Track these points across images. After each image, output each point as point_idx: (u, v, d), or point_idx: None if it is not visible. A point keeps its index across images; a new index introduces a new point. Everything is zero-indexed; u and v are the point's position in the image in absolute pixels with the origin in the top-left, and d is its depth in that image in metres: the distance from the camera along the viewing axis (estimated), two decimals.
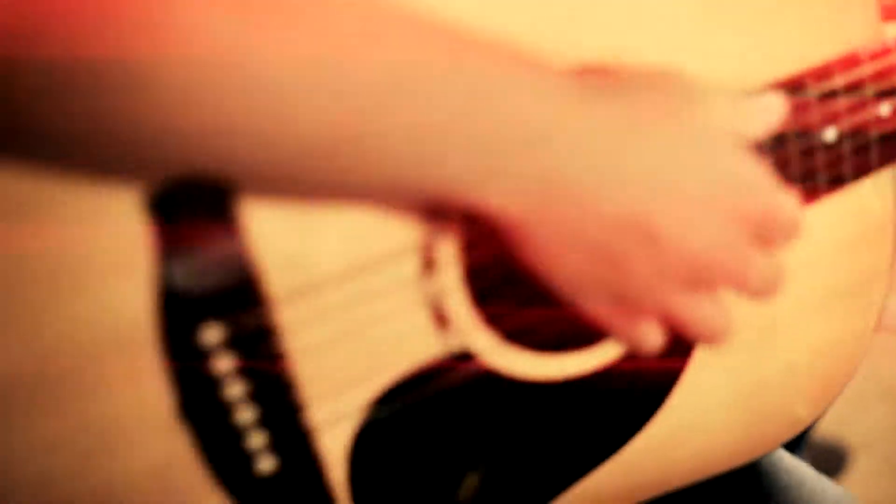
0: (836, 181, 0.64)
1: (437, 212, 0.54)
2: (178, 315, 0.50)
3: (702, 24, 0.59)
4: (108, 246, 0.48)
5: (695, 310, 0.55)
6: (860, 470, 1.72)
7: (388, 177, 0.49)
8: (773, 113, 0.57)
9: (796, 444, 1.26)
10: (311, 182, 0.49)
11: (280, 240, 0.51)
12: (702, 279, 0.54)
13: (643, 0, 0.57)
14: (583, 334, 0.62)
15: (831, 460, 1.73)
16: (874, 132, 0.65)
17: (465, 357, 0.58)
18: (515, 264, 0.54)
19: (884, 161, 0.65)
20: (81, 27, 0.42)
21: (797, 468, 0.80)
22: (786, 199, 0.56)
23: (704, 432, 0.69)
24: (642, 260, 0.52)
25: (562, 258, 0.51)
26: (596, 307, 0.54)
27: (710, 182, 0.52)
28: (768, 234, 0.56)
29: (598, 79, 0.53)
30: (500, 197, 0.50)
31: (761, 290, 0.56)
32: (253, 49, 0.44)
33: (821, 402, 0.72)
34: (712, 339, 0.56)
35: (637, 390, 0.65)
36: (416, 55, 0.47)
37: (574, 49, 0.56)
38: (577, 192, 0.50)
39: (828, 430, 1.76)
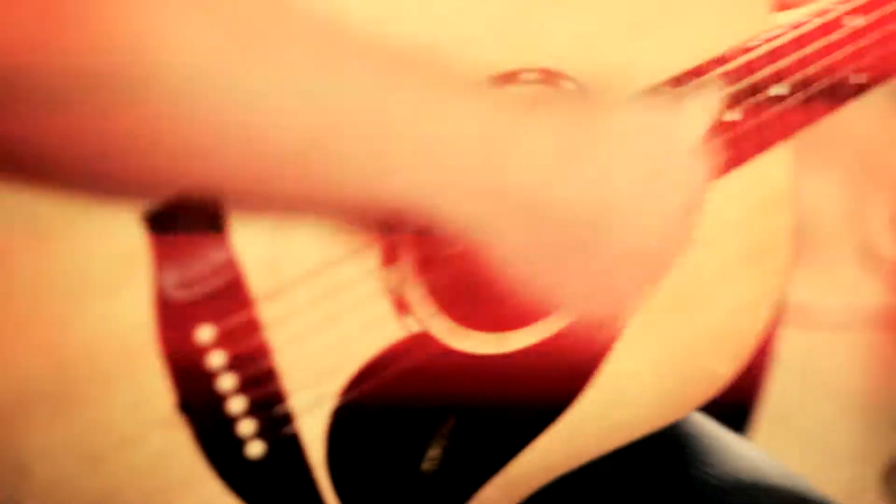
0: (742, 156, 0.73)
1: (396, 218, 0.60)
2: (175, 319, 0.56)
3: (618, 28, 0.67)
4: (109, 259, 0.54)
5: (640, 293, 0.63)
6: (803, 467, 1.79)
7: (350, 191, 0.55)
8: (708, 110, 0.65)
9: (740, 428, 1.36)
10: (282, 197, 0.55)
11: (258, 246, 0.58)
12: (649, 268, 0.62)
13: (567, 12, 0.64)
14: (524, 316, 0.69)
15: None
16: (774, 110, 0.74)
17: (424, 339, 0.64)
18: (471, 264, 0.61)
19: (783, 136, 0.74)
20: (71, 44, 0.47)
21: (720, 431, 0.89)
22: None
23: (636, 395, 0.76)
24: (595, 252, 0.59)
25: (520, 258, 0.58)
26: (553, 300, 0.62)
27: (642, 179, 0.60)
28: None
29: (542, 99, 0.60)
30: (453, 208, 0.56)
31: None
32: (228, 72, 0.50)
33: (737, 359, 0.81)
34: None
35: (573, 361, 0.72)
36: (370, 77, 0.54)
37: (511, 58, 0.63)
38: (527, 198, 0.57)
39: (769, 428, 1.83)
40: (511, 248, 0.57)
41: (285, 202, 0.55)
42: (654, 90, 0.67)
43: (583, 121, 0.59)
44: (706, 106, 0.68)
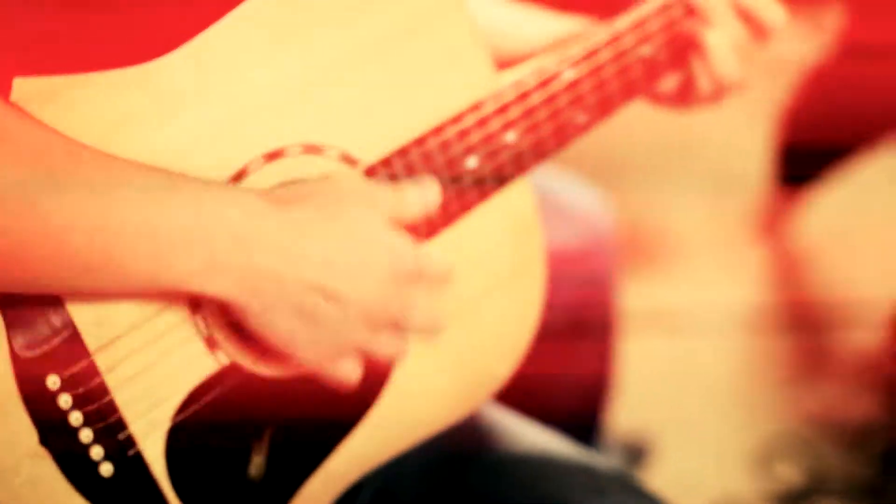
0: (482, 193, 0.92)
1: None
2: (28, 372, 0.74)
3: (364, 99, 0.85)
4: None
5: (377, 343, 0.81)
6: (673, 463, 1.82)
7: (145, 285, 0.75)
8: (428, 195, 0.84)
9: (589, 439, 1.49)
10: (90, 291, 0.75)
11: (89, 309, 0.76)
12: (377, 321, 0.80)
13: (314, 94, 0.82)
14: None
15: (642, 454, 1.82)
16: (505, 155, 0.92)
17: (234, 368, 0.83)
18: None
19: (518, 173, 0.93)
20: None
21: (516, 422, 1.07)
22: (430, 258, 0.82)
23: (428, 395, 0.93)
24: (330, 314, 0.78)
25: (271, 322, 0.77)
26: (304, 356, 0.80)
27: (367, 254, 0.79)
28: (425, 282, 0.82)
29: (283, 190, 0.79)
30: (215, 286, 0.75)
31: (426, 325, 0.84)
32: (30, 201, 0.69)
33: (512, 360, 0.98)
34: (394, 359, 0.84)
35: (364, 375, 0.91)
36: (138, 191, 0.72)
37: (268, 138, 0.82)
38: (273, 274, 0.76)
39: (642, 426, 1.87)
40: (258, 313, 0.77)
41: (92, 292, 0.75)
42: (388, 161, 0.86)
43: (315, 205, 0.78)
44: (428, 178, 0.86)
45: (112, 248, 0.71)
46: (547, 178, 1.24)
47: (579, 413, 1.53)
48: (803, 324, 2.20)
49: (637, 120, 1.23)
